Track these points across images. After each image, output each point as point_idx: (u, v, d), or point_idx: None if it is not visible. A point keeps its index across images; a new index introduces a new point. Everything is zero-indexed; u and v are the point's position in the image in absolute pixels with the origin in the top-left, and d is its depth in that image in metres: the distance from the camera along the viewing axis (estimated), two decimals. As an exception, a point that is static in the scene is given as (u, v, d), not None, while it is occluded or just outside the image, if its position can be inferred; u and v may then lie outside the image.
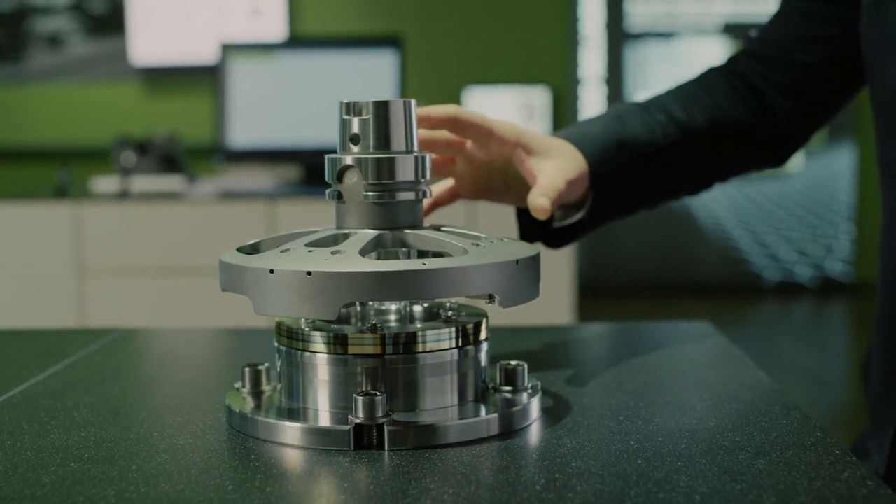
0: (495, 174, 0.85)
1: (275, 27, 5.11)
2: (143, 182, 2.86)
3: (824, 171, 5.26)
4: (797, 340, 4.31)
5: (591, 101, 5.24)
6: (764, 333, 4.34)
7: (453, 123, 0.77)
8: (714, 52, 5.13)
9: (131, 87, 5.27)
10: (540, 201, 0.75)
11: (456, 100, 5.12)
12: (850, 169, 5.24)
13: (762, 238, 5.30)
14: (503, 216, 2.60)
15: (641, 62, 5.23)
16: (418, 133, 0.70)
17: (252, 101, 2.98)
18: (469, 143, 0.81)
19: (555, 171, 0.79)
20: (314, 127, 2.92)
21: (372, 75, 2.93)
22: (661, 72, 5.19)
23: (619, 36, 5.21)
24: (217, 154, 3.06)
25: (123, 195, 2.79)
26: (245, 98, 2.98)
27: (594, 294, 4.73)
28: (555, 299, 2.61)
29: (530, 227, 0.90)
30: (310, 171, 2.97)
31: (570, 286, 2.64)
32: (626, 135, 0.87)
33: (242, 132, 2.97)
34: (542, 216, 0.75)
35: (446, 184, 0.85)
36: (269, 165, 3.16)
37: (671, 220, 5.24)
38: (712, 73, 0.99)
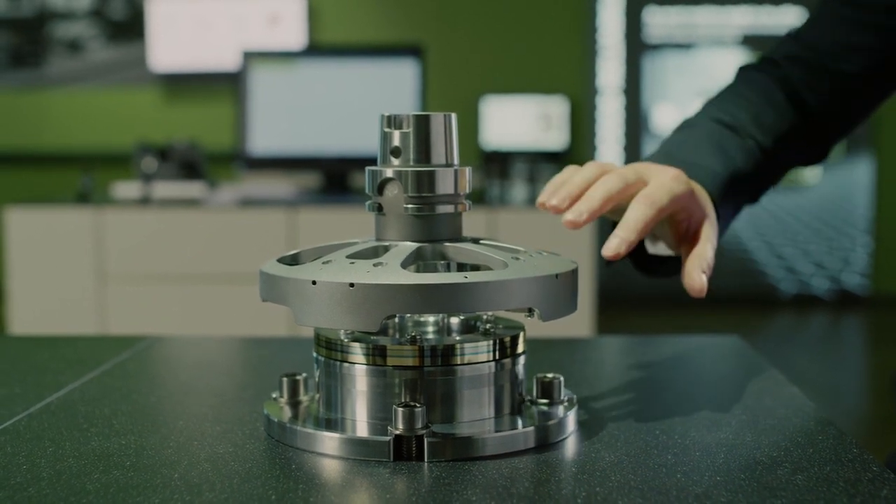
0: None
1: (293, 35, 5.13)
2: (164, 188, 2.88)
3: (842, 184, 5.24)
4: (813, 353, 4.29)
5: (609, 111, 5.24)
6: (780, 345, 4.33)
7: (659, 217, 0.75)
8: (732, 64, 5.13)
9: (151, 93, 5.31)
10: (697, 278, 0.74)
11: (473, 108, 5.14)
12: (868, 181, 5.21)
13: (779, 250, 5.29)
14: (523, 227, 2.60)
15: (659, 73, 5.23)
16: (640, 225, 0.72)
17: (273, 109, 2.99)
18: None
19: (706, 233, 0.78)
20: (334, 135, 2.92)
21: (392, 84, 2.94)
22: (678, 82, 5.19)
23: (637, 46, 5.22)
24: (237, 161, 3.08)
25: (145, 201, 2.81)
26: (266, 105, 2.99)
27: (610, 306, 4.72)
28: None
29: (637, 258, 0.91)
30: (329, 178, 2.98)
31: (590, 298, 2.64)
32: (734, 170, 0.88)
33: (263, 139, 2.98)
34: (697, 295, 0.74)
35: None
36: (289, 173, 3.17)
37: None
38: (767, 80, 0.98)
